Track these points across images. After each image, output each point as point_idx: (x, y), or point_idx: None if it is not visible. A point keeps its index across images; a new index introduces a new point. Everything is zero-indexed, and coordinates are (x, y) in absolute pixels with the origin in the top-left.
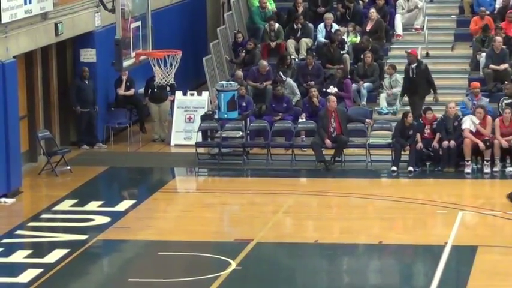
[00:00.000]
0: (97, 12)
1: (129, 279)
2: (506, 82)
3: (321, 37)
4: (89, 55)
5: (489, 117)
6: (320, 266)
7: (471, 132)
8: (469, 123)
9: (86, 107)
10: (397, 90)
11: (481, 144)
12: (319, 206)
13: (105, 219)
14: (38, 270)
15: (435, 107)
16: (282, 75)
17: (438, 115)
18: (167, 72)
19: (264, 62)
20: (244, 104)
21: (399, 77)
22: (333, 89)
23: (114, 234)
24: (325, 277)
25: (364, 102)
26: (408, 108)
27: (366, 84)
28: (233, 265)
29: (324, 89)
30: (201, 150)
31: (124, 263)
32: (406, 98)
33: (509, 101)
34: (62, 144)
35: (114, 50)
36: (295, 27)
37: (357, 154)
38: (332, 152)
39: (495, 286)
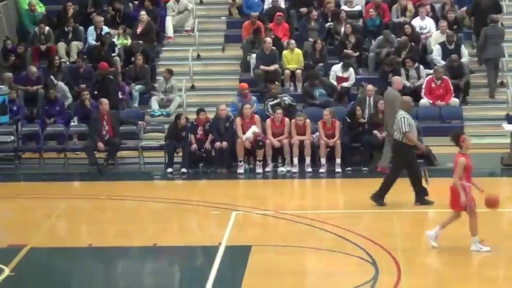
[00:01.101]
0: None
1: None
2: (276, 83)
3: (92, 40)
4: None
5: (257, 117)
6: (95, 269)
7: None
8: (250, 132)
9: None
10: (173, 96)
11: (248, 144)
12: (93, 209)
13: None
14: None
15: (207, 108)
16: (54, 79)
17: (210, 116)
18: None
19: (33, 69)
20: (15, 108)
21: (175, 83)
22: (121, 95)
23: None
24: (100, 281)
25: (136, 105)
26: (181, 110)
27: (137, 87)
28: (6, 271)
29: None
30: None
31: None
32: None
33: (275, 102)
34: None
35: None
36: (66, 30)
37: (130, 156)
38: (105, 155)
39: (269, 285)
